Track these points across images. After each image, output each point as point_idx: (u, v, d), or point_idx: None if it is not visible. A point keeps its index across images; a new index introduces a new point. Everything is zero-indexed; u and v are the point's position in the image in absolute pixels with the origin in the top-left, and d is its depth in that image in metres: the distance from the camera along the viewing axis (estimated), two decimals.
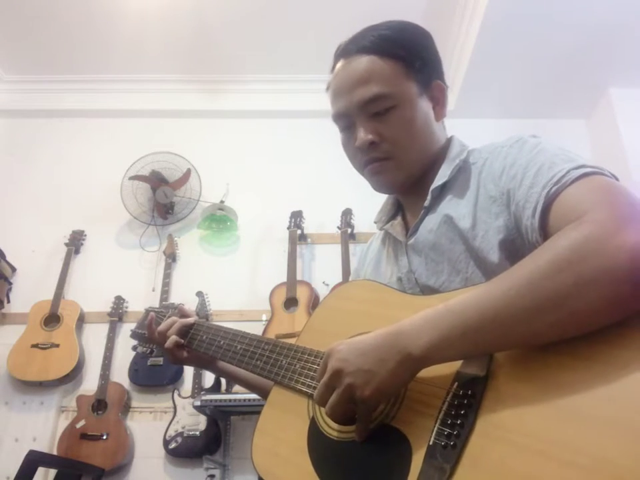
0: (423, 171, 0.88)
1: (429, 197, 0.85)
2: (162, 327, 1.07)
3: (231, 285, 2.88)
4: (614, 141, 3.07)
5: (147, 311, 1.20)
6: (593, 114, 3.31)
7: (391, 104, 0.83)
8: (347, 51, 0.87)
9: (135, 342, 1.23)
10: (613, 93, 3.14)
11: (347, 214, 2.90)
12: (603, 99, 3.19)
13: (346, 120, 0.87)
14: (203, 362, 1.09)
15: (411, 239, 0.87)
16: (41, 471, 2.01)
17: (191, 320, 1.07)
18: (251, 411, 2.46)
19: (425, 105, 0.86)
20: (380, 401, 0.66)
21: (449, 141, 0.91)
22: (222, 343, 0.98)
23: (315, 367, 0.78)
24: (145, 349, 1.19)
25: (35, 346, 2.59)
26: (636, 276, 0.53)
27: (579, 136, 3.27)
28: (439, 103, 0.89)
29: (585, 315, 0.54)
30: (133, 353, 2.61)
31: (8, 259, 2.85)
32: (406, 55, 0.84)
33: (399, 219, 0.94)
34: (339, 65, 0.89)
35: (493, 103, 3.18)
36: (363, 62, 0.84)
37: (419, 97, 0.85)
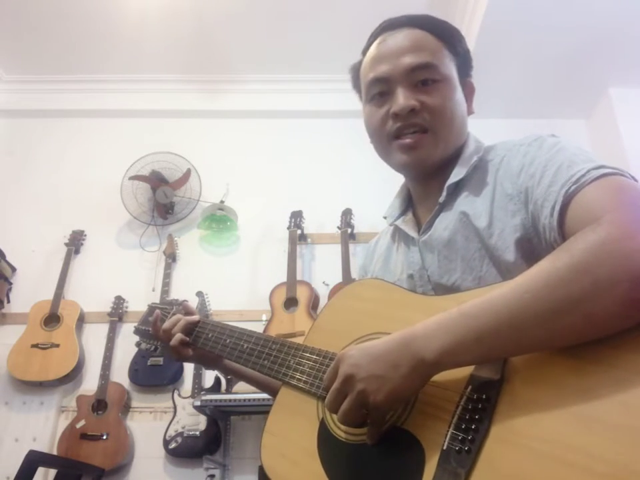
0: (449, 157, 0.86)
1: (444, 193, 0.83)
2: (167, 324, 1.06)
3: (231, 284, 2.87)
4: (614, 141, 3.07)
5: (151, 307, 1.19)
6: (593, 114, 3.31)
7: (437, 77, 0.82)
8: (395, 23, 0.87)
9: (137, 338, 1.20)
10: (612, 93, 3.13)
11: (346, 214, 2.90)
12: (603, 99, 3.19)
13: (384, 85, 0.84)
14: (207, 360, 1.07)
15: (424, 236, 0.85)
16: (40, 470, 2.01)
17: (196, 318, 1.06)
18: (251, 411, 2.46)
19: (461, 94, 0.87)
20: (393, 407, 0.65)
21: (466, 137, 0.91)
22: (228, 341, 0.97)
23: (324, 367, 0.77)
24: (148, 345, 1.18)
25: (35, 346, 2.58)
26: None
27: (579, 136, 3.26)
28: (467, 100, 0.90)
29: (601, 318, 0.53)
30: (133, 353, 2.62)
31: (8, 258, 2.85)
32: (452, 41, 0.86)
33: (410, 214, 0.93)
34: (383, 36, 0.87)
35: (492, 103, 3.17)
36: (415, 33, 0.84)
37: (459, 83, 0.87)
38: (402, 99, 0.81)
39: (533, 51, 2.85)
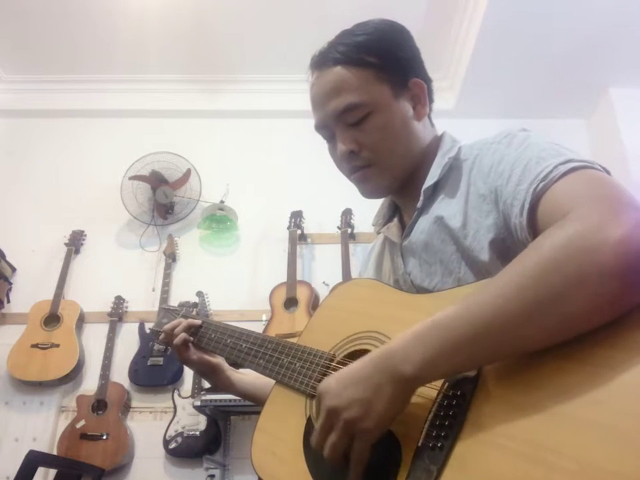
0: (408, 173, 0.87)
1: (421, 198, 0.84)
2: (168, 326, 1.08)
3: (231, 284, 2.87)
4: (614, 141, 3.07)
5: (160, 309, 1.22)
6: (593, 114, 3.31)
7: (365, 112, 0.82)
8: (317, 63, 0.87)
9: (137, 338, 1.22)
10: (612, 93, 3.14)
11: (346, 214, 2.90)
12: (603, 99, 3.19)
13: (326, 131, 0.88)
14: (205, 369, 1.07)
15: (405, 241, 0.86)
16: (40, 470, 2.01)
17: (198, 321, 1.08)
18: (251, 411, 2.46)
19: (403, 106, 0.85)
20: (382, 431, 0.60)
21: (440, 138, 0.90)
22: (229, 341, 0.99)
23: (314, 365, 0.79)
24: (162, 345, 1.21)
25: (35, 346, 2.58)
26: (623, 271, 0.50)
27: (579, 136, 3.26)
28: (420, 101, 0.87)
29: (576, 316, 0.52)
30: (133, 353, 2.62)
31: (8, 259, 2.85)
32: (375, 59, 0.83)
33: (395, 220, 0.94)
34: (312, 76, 0.88)
35: (492, 102, 3.18)
36: (332, 74, 0.84)
37: (394, 100, 0.84)
38: (340, 144, 0.84)
39: (533, 50, 2.85)
